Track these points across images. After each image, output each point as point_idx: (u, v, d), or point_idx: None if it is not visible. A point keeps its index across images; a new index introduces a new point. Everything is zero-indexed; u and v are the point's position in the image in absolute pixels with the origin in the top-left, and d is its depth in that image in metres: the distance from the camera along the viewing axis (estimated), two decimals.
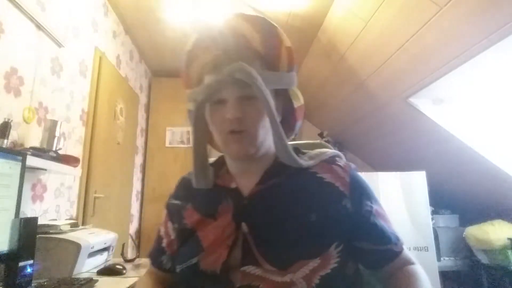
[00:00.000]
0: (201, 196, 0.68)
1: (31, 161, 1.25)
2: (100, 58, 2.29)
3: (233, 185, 0.67)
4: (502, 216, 2.65)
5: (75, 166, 1.68)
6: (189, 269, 0.61)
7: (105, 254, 1.54)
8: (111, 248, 1.59)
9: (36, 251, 1.09)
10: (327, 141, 3.42)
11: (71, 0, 1.90)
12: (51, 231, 1.30)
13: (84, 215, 2.06)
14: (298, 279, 0.53)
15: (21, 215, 1.11)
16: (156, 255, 0.74)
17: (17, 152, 1.15)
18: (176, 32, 2.77)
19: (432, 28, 1.76)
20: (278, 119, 0.62)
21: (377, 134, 3.22)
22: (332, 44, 2.59)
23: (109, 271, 1.32)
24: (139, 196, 3.35)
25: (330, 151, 0.71)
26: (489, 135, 2.27)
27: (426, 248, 2.34)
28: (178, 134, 3.56)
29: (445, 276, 2.85)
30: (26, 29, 1.50)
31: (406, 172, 2.52)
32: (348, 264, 0.61)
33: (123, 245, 1.71)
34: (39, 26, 1.57)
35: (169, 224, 0.73)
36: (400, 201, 2.41)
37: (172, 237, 0.71)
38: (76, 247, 1.25)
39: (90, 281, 1.12)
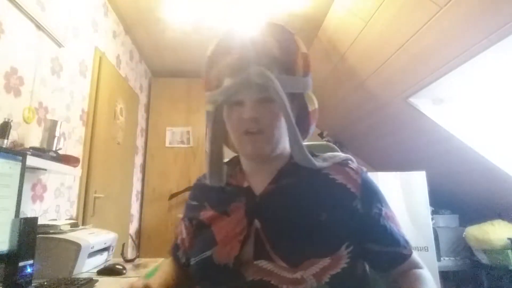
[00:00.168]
0: (215, 195, 0.72)
1: (31, 161, 1.25)
2: (100, 58, 2.29)
3: (245, 184, 0.70)
4: (502, 216, 2.64)
5: (75, 166, 1.68)
6: (203, 261, 0.64)
7: (105, 254, 1.54)
8: (111, 248, 1.59)
9: (36, 251, 1.09)
10: (327, 141, 3.41)
11: (71, 0, 1.90)
12: (51, 231, 1.30)
13: (84, 215, 2.06)
14: (308, 277, 0.55)
15: (21, 215, 1.11)
16: (174, 250, 0.81)
17: (17, 152, 1.15)
18: (176, 32, 2.77)
19: (432, 28, 1.76)
20: (293, 121, 0.64)
21: (377, 134, 3.22)
22: (332, 44, 2.59)
23: (109, 271, 1.32)
24: (139, 196, 3.35)
25: (343, 154, 0.74)
26: (489, 135, 2.27)
27: (426, 248, 2.34)
28: (178, 134, 3.56)
29: (445, 276, 2.85)
30: (26, 29, 1.50)
31: (406, 172, 2.52)
32: (357, 265, 0.62)
33: (123, 245, 1.71)
34: (39, 26, 1.57)
35: (185, 222, 0.77)
36: (400, 201, 2.40)
37: (186, 235, 0.76)
38: (76, 247, 1.25)
39: (90, 281, 1.12)
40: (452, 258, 2.84)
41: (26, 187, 1.39)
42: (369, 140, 3.45)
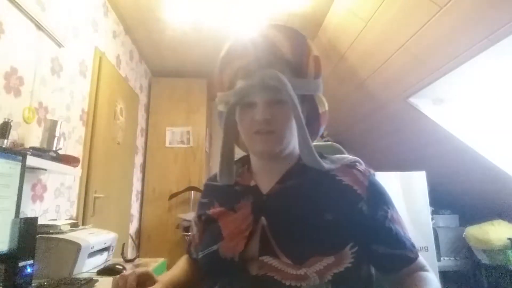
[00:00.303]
0: (224, 194, 0.75)
1: (31, 161, 1.25)
2: (100, 58, 2.29)
3: (252, 183, 0.72)
4: (502, 216, 2.65)
5: (75, 166, 1.68)
6: (209, 255, 0.65)
7: (105, 254, 1.54)
8: (111, 248, 1.59)
9: (36, 251, 1.09)
10: (326, 141, 3.41)
11: (71, 0, 1.90)
12: (51, 231, 1.30)
13: (84, 215, 2.06)
14: (311, 273, 0.56)
15: (21, 215, 1.11)
16: (188, 246, 0.85)
17: (17, 152, 1.15)
18: (176, 32, 2.77)
19: (432, 28, 1.76)
20: (304, 122, 0.66)
21: (377, 134, 3.23)
22: (332, 44, 2.59)
23: (109, 271, 1.32)
24: (139, 196, 3.35)
25: (351, 157, 0.75)
26: (489, 135, 2.27)
27: (426, 248, 2.34)
28: (178, 134, 3.56)
29: (445, 276, 2.85)
30: (26, 29, 1.50)
31: (406, 172, 2.53)
32: (362, 266, 0.63)
33: (123, 245, 1.71)
34: (39, 26, 1.57)
35: (196, 219, 0.80)
36: (400, 201, 2.41)
37: (196, 230, 0.80)
38: (76, 247, 1.25)
39: (90, 281, 1.12)
40: (452, 258, 2.85)
41: (26, 187, 1.39)
42: (369, 140, 3.45)
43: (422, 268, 0.65)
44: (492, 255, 2.57)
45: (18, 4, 1.41)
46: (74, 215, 1.96)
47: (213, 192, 0.78)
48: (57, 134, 1.54)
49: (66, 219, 1.77)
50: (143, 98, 3.44)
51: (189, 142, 3.54)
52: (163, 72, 3.63)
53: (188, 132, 3.55)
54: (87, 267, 1.34)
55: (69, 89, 1.89)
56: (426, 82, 2.13)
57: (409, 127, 2.69)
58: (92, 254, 1.37)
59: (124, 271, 1.33)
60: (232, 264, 0.61)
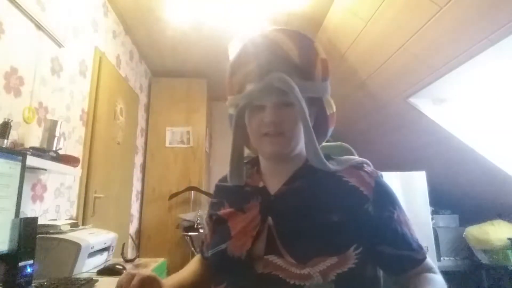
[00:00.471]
0: (234, 195, 0.76)
1: (31, 161, 1.25)
2: (100, 58, 2.29)
3: (260, 184, 0.73)
4: (502, 216, 2.65)
5: (75, 166, 1.68)
6: (218, 254, 0.68)
7: (105, 254, 1.54)
8: (111, 248, 1.59)
9: (36, 251, 1.09)
10: (327, 141, 3.41)
11: (71, 0, 1.90)
12: (51, 231, 1.30)
13: (84, 215, 2.06)
14: (315, 273, 0.57)
15: (21, 215, 1.11)
16: (201, 245, 0.87)
17: (17, 152, 1.15)
18: (176, 32, 2.77)
19: (432, 28, 1.76)
20: (311, 125, 0.67)
21: (377, 134, 3.23)
22: (332, 44, 2.59)
23: (109, 271, 1.32)
24: (139, 196, 3.35)
25: (359, 158, 0.76)
26: (489, 135, 2.27)
27: (426, 248, 2.32)
28: (178, 134, 3.56)
29: (445, 276, 2.83)
30: (26, 29, 1.50)
31: (406, 172, 2.53)
32: (366, 267, 0.63)
33: (123, 245, 1.71)
34: (39, 26, 1.57)
35: (208, 220, 0.82)
36: (400, 201, 2.40)
37: (207, 230, 0.82)
38: (76, 247, 1.25)
39: (90, 281, 1.12)
40: (452, 258, 2.85)
41: (26, 187, 1.39)
42: (369, 140, 3.45)
43: (429, 270, 0.65)
44: (492, 255, 2.57)
45: (18, 4, 1.41)
46: (74, 215, 1.96)
47: (223, 193, 0.80)
48: (57, 134, 1.54)
49: (66, 219, 1.77)
50: (143, 98, 3.44)
51: (189, 142, 3.54)
52: (163, 72, 3.63)
53: (188, 132, 3.55)
54: (87, 267, 1.34)
55: (69, 89, 1.89)
56: (426, 82, 2.13)
57: (409, 127, 2.69)
58: (92, 254, 1.37)
59: (124, 271, 1.33)
60: (239, 262, 0.63)
